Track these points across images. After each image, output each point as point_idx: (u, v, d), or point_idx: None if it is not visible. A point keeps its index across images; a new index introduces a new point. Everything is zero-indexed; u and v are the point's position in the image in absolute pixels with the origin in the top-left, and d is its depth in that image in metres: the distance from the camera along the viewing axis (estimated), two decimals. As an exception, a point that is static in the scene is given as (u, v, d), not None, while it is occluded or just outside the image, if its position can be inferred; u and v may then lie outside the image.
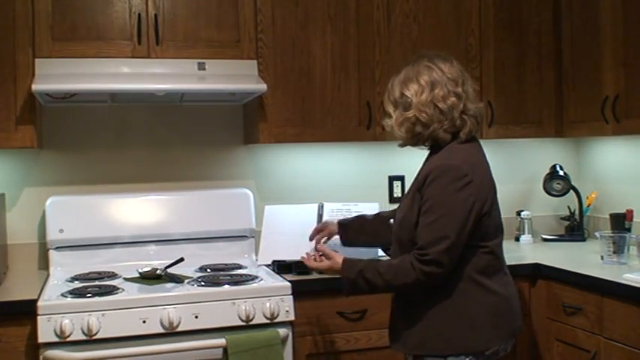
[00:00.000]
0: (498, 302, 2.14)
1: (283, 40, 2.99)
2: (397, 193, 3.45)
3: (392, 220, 2.37)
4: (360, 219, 2.68)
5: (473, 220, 2.07)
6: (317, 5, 3.03)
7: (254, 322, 2.50)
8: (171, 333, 2.41)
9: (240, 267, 2.93)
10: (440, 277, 2.05)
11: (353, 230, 2.66)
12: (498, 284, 2.16)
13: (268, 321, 2.52)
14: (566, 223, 3.57)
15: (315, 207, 3.07)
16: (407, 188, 3.35)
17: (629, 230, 3.12)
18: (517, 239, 3.50)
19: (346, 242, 2.67)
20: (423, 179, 2.12)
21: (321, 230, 2.72)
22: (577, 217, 3.52)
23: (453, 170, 2.08)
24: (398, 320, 2.21)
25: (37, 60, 2.70)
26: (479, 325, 2.10)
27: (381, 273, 2.10)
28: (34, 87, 2.59)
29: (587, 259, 2.95)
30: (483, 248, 2.13)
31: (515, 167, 3.66)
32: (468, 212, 2.05)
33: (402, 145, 2.26)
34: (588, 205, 3.53)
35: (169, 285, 2.61)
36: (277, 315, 2.53)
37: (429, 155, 2.24)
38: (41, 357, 2.32)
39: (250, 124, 3.15)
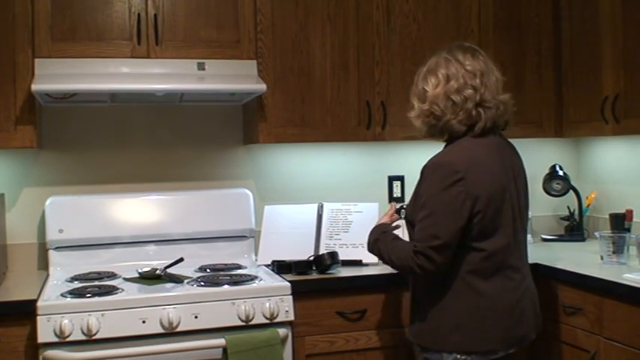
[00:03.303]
0: (487, 305, 2.15)
1: (283, 40, 2.99)
2: (397, 193, 3.45)
3: None
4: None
5: (464, 217, 2.09)
6: (317, 5, 3.03)
7: (254, 322, 2.50)
8: (170, 333, 2.41)
9: (239, 267, 2.93)
10: (433, 271, 2.11)
11: None
12: (494, 287, 2.16)
13: (268, 321, 2.52)
14: (566, 223, 3.57)
15: (314, 207, 3.07)
16: (407, 188, 3.41)
17: (628, 230, 3.11)
18: (517, 239, 3.51)
19: None
20: (420, 175, 2.20)
21: None
22: (577, 217, 3.52)
23: (445, 167, 2.12)
24: (411, 311, 2.33)
25: (36, 60, 2.70)
26: (463, 325, 2.13)
27: (390, 249, 2.24)
28: (34, 87, 2.58)
29: (586, 259, 2.94)
30: (477, 249, 2.14)
31: (515, 167, 3.66)
32: (458, 209, 2.08)
33: (423, 137, 2.32)
34: (588, 205, 3.53)
35: (169, 285, 2.61)
36: (277, 315, 2.53)
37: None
38: (41, 357, 2.32)
39: (250, 124, 3.15)
